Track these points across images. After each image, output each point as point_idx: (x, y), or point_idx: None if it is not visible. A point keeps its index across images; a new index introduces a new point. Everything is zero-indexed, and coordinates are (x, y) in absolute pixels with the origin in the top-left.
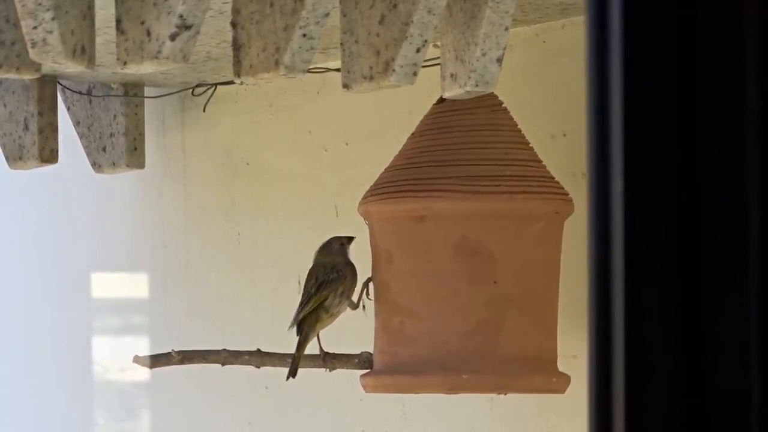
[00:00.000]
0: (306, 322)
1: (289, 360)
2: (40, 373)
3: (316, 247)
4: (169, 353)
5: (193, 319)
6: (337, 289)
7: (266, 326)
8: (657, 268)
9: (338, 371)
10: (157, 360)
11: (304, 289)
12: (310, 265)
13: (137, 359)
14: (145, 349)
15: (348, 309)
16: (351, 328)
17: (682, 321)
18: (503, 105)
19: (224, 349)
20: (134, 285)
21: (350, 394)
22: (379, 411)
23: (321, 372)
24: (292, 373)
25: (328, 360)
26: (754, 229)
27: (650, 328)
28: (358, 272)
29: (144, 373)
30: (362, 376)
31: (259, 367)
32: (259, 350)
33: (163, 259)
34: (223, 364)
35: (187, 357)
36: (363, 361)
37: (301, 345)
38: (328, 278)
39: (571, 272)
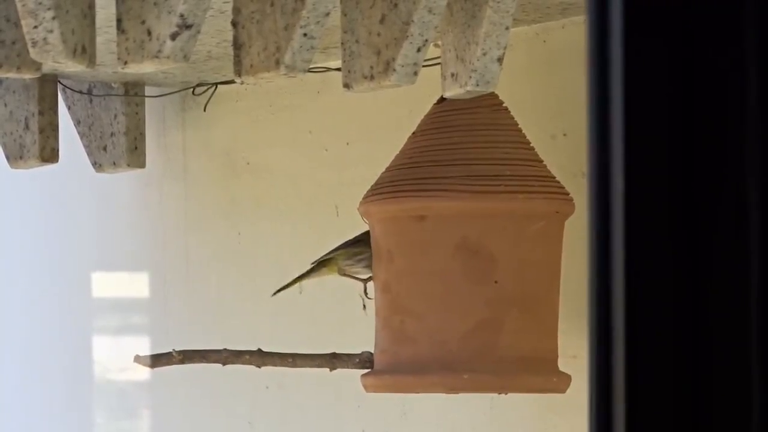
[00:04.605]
0: (319, 264)
1: (290, 360)
2: (40, 372)
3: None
4: (170, 353)
5: (193, 319)
6: (353, 250)
7: (266, 326)
8: (657, 268)
9: (338, 371)
10: (158, 360)
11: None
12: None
13: (138, 359)
14: (145, 349)
15: (360, 277)
16: (352, 328)
17: (682, 321)
18: (504, 105)
19: (225, 349)
20: (134, 285)
21: (351, 393)
22: (379, 411)
23: (321, 371)
24: (277, 292)
25: (329, 359)
26: (755, 229)
27: (650, 328)
28: None
29: (144, 372)
30: (363, 375)
31: (260, 367)
32: (260, 350)
33: (163, 259)
34: (224, 364)
35: (187, 356)
36: (364, 360)
37: (303, 275)
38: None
39: (571, 272)
